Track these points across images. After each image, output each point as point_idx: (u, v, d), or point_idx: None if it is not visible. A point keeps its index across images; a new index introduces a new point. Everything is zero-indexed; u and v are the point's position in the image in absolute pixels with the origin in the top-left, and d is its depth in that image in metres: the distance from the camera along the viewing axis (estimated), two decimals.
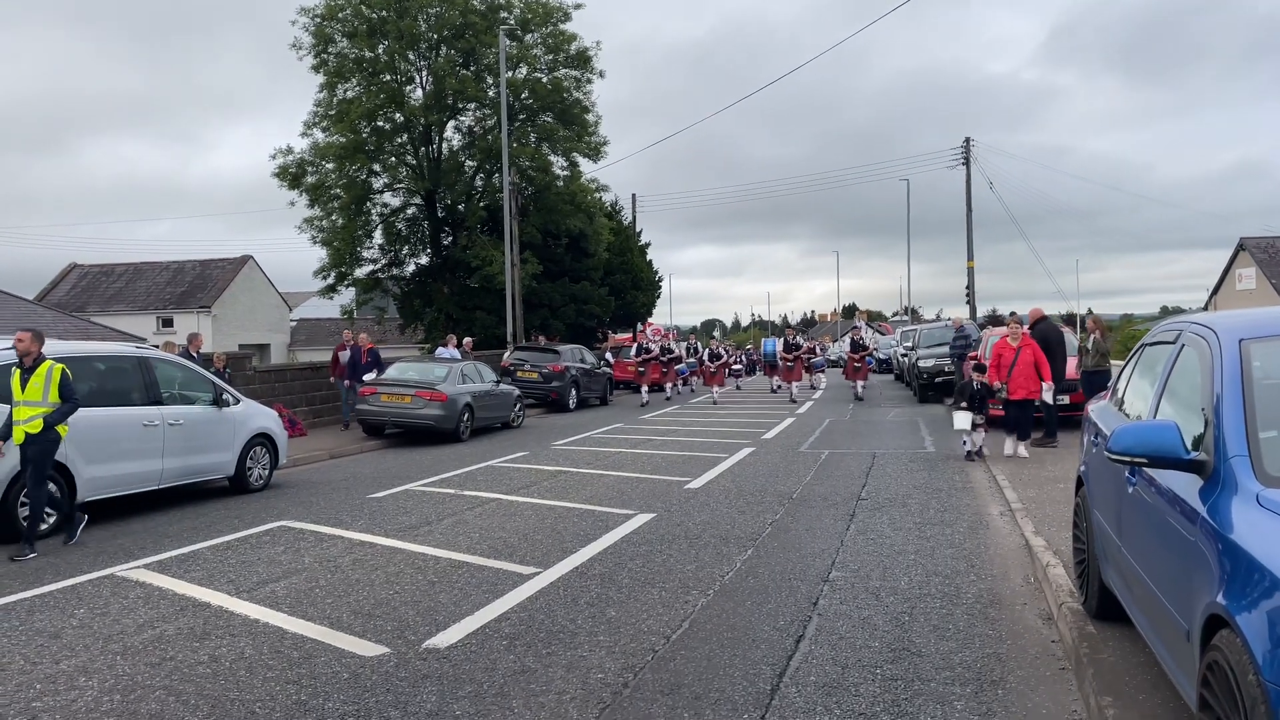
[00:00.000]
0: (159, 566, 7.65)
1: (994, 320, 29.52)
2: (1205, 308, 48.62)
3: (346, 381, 18.73)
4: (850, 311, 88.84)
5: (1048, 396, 12.91)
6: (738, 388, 32.35)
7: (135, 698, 4.79)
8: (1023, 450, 12.88)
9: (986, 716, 4.42)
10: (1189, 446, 3.61)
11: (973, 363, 13.49)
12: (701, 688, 4.83)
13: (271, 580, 7.13)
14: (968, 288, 40.83)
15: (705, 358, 28.04)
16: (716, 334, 38.53)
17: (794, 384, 26.51)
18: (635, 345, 28.21)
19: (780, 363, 27.17)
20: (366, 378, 18.04)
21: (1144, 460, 3.62)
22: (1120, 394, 5.44)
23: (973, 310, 40.13)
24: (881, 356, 38.62)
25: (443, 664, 5.21)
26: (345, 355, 18.94)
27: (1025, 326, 14.10)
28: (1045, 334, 14.22)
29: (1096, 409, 5.89)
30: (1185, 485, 3.55)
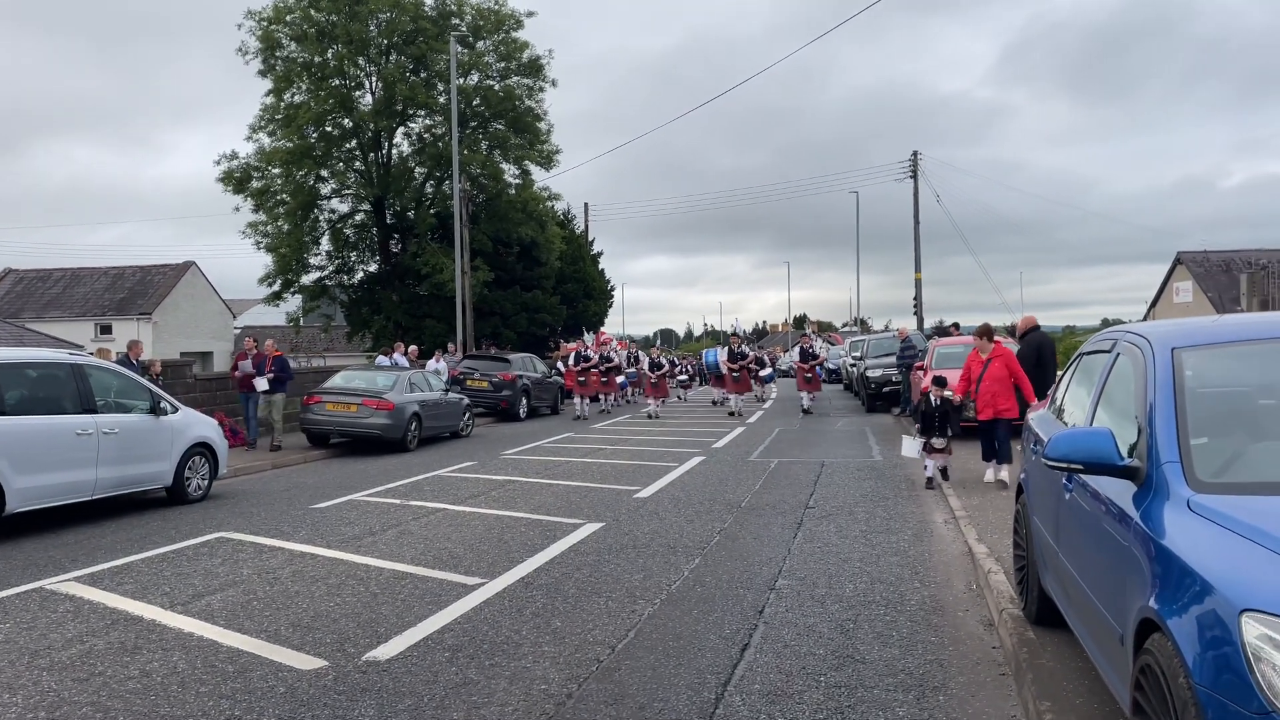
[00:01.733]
0: (90, 579, 7.42)
1: (941, 331, 29.93)
2: (1144, 320, 49.84)
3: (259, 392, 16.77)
4: (800, 322, 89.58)
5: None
6: (681, 399, 31.74)
7: (61, 714, 4.63)
8: (1005, 474, 10.90)
9: None
10: (1123, 453, 3.67)
11: (932, 377, 12.02)
12: (646, 697, 4.79)
13: (208, 593, 6.95)
14: (915, 299, 41.45)
15: (645, 368, 26.27)
16: (659, 343, 37.15)
17: (738, 396, 24.51)
18: (572, 354, 25.46)
19: (725, 373, 24.94)
20: (257, 382, 16.39)
21: (1079, 466, 3.67)
22: (1059, 402, 5.53)
23: (920, 321, 40.72)
24: (831, 366, 38.94)
25: (382, 677, 5.11)
26: (246, 365, 16.91)
27: (992, 338, 11.50)
28: (1040, 344, 12.46)
29: (1036, 417, 5.98)
30: (1119, 491, 3.61)
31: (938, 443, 11.13)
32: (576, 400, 24.73)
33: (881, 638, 5.74)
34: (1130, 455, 3.64)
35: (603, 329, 44.23)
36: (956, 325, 25.02)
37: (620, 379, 27.75)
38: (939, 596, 6.69)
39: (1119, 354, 4.41)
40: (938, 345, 18.98)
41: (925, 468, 11.39)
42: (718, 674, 5.13)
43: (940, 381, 11.53)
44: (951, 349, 17.47)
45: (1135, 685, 3.06)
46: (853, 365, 30.84)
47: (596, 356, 25.58)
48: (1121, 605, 3.34)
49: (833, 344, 57.16)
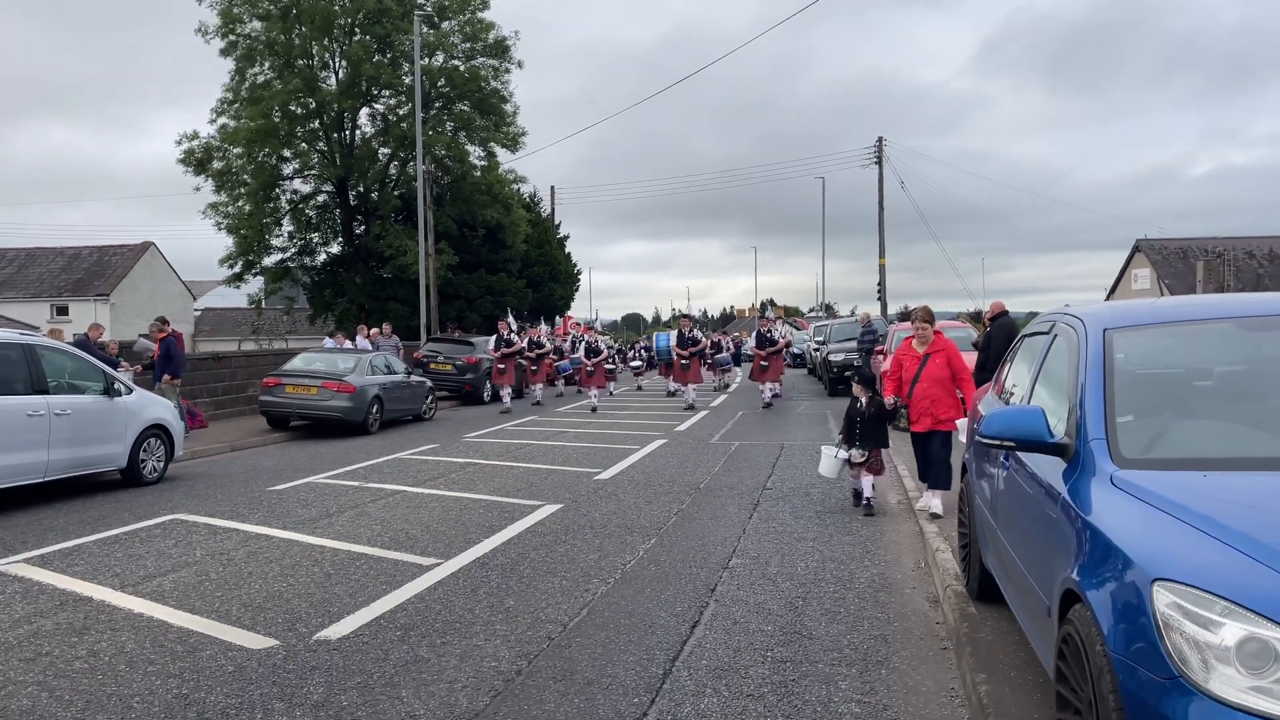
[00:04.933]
0: (40, 561, 7.34)
1: (905, 316, 30.15)
2: None
3: (167, 379, 14.78)
4: (764, 307, 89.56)
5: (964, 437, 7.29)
6: (639, 388, 29.83)
7: (5, 694, 4.60)
8: (937, 503, 8.48)
9: (869, 694, 4.55)
10: (1057, 431, 3.77)
11: (858, 377, 9.68)
12: (594, 673, 4.85)
13: (159, 574, 6.91)
14: (879, 284, 41.82)
15: (582, 354, 23.06)
16: (598, 325, 32.71)
17: (691, 386, 21.62)
18: (495, 337, 22.08)
19: (675, 360, 22.29)
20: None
21: (1012, 444, 3.76)
22: (1003, 382, 5.65)
23: (884, 307, 41.09)
24: (796, 351, 39.16)
25: (333, 655, 5.12)
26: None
27: (933, 324, 9.06)
28: (1011, 328, 11.20)
29: (981, 399, 6.10)
30: (1050, 468, 3.71)
31: (855, 455, 8.95)
32: (503, 392, 21.39)
33: (829, 614, 5.84)
34: (1062, 433, 3.74)
35: (569, 313, 44.19)
36: (919, 308, 25.22)
37: (563, 364, 24.83)
38: (888, 574, 6.81)
39: (1056, 334, 4.52)
40: (897, 329, 19.17)
41: (859, 488, 9.14)
42: (667, 650, 5.20)
43: (868, 380, 9.45)
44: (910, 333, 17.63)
45: (1058, 654, 3.16)
46: (816, 350, 31.08)
47: (525, 341, 22.84)
48: (1049, 578, 3.44)
49: (798, 329, 57.49)
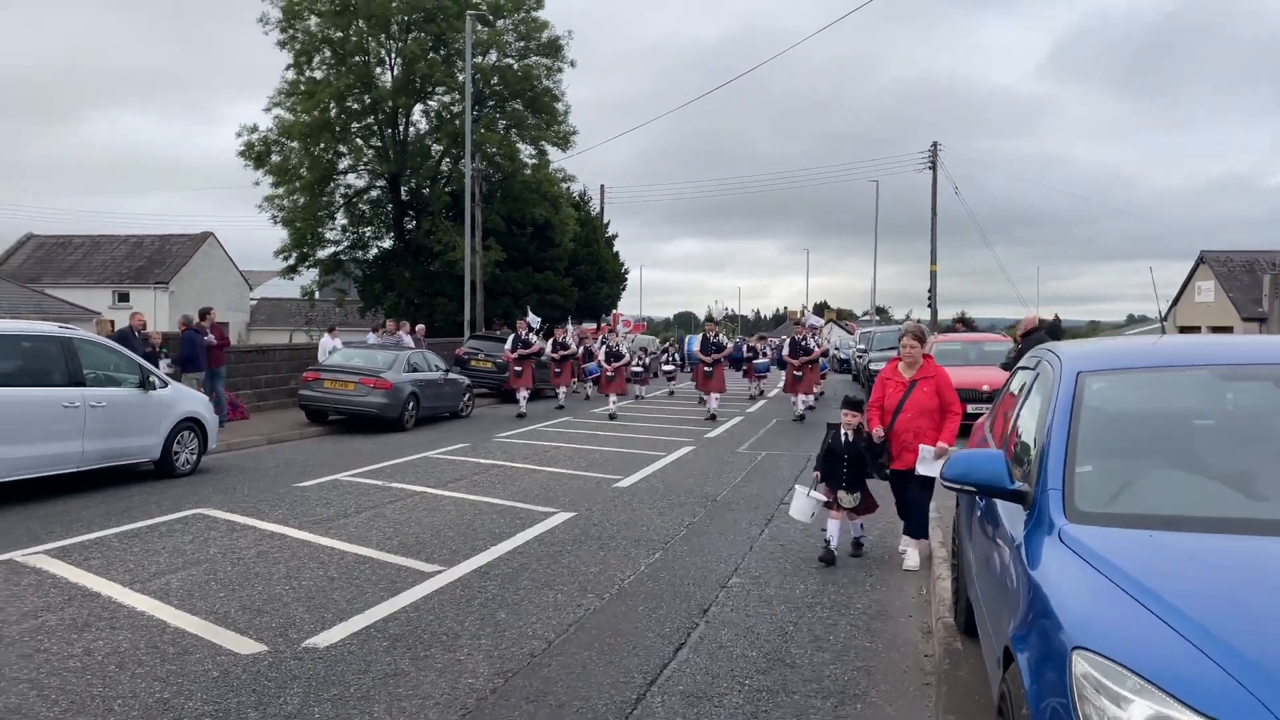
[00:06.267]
0: (60, 553, 7.58)
1: (959, 323, 29.52)
2: (1164, 318, 49.17)
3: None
4: (821, 310, 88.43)
5: (927, 468, 7.22)
6: (671, 394, 28.12)
7: None
8: (914, 557, 7.59)
9: None
10: (1020, 476, 3.69)
11: (844, 398, 8.08)
12: (568, 695, 4.87)
13: (170, 571, 7.09)
14: (930, 290, 41.22)
15: (602, 357, 21.54)
16: (621, 325, 30.41)
17: (715, 395, 20.09)
18: (512, 337, 21.03)
19: (699, 366, 20.78)
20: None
21: (973, 488, 3.69)
22: (997, 416, 5.54)
23: (934, 313, 40.48)
24: (843, 357, 38.80)
25: (317, 664, 5.21)
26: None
27: (924, 344, 7.91)
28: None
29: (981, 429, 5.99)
30: (1012, 514, 3.63)
31: (845, 499, 7.59)
32: (520, 395, 20.41)
33: (817, 641, 5.78)
34: (1025, 479, 3.66)
35: (617, 310, 44.32)
36: (962, 320, 24.80)
37: (590, 366, 22.75)
38: (887, 601, 6.72)
39: (1039, 374, 4.41)
40: (937, 342, 18.81)
41: (824, 530, 7.81)
42: (645, 674, 5.20)
43: (854, 404, 7.81)
44: (949, 346, 17.34)
45: (998, 710, 3.10)
46: (860, 356, 30.80)
47: (548, 343, 21.83)
48: (1000, 628, 3.38)
49: (849, 333, 56.85)
